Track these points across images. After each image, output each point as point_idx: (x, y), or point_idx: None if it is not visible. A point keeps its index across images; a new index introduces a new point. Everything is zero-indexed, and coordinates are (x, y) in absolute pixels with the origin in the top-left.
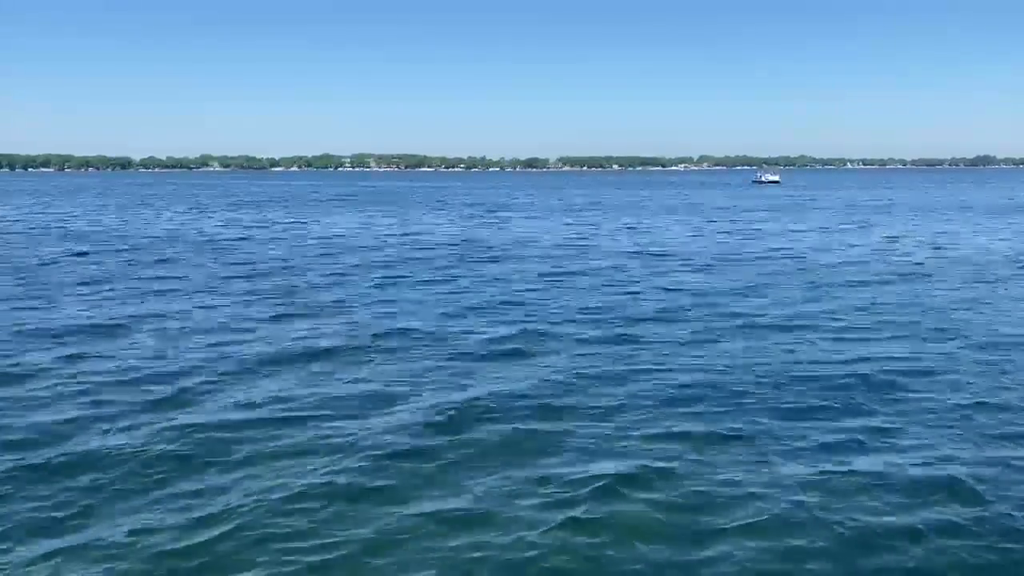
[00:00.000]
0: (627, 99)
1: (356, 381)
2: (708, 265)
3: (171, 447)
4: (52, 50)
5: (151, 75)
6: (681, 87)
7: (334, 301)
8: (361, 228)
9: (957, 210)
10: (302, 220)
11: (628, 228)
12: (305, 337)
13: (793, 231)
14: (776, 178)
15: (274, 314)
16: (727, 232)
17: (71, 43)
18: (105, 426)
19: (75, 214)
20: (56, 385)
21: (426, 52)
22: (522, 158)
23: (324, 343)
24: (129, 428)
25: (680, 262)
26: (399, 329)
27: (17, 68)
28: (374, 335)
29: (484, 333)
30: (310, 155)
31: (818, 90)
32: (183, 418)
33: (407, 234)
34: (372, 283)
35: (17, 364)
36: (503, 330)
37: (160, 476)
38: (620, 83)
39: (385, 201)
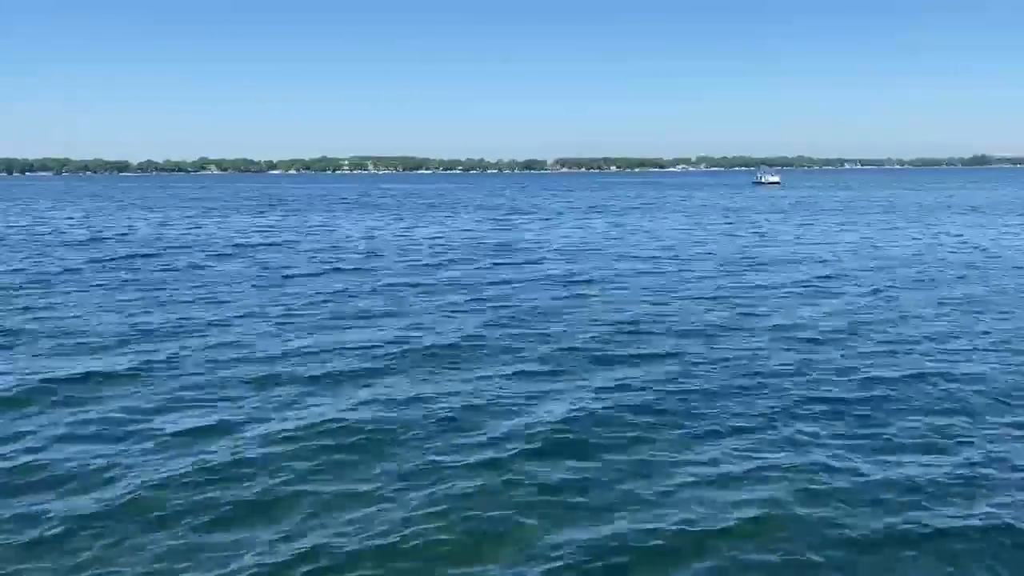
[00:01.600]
0: (625, 100)
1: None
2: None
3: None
4: (50, 52)
5: (148, 77)
6: (679, 87)
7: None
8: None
9: None
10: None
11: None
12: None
13: None
14: (776, 179)
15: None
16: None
17: (69, 44)
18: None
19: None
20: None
21: (425, 53)
22: (520, 160)
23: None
24: None
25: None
26: None
27: (15, 70)
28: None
29: None
30: (308, 158)
31: (816, 90)
32: None
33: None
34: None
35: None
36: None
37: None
38: (619, 83)
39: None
